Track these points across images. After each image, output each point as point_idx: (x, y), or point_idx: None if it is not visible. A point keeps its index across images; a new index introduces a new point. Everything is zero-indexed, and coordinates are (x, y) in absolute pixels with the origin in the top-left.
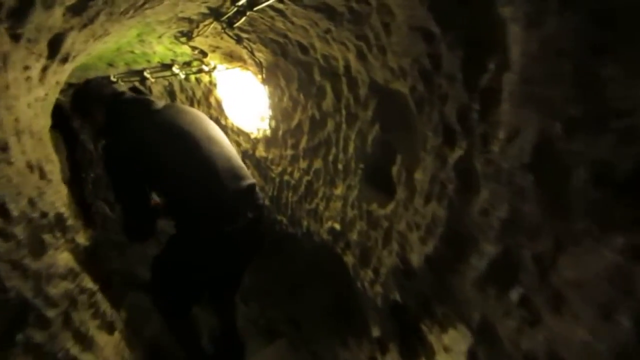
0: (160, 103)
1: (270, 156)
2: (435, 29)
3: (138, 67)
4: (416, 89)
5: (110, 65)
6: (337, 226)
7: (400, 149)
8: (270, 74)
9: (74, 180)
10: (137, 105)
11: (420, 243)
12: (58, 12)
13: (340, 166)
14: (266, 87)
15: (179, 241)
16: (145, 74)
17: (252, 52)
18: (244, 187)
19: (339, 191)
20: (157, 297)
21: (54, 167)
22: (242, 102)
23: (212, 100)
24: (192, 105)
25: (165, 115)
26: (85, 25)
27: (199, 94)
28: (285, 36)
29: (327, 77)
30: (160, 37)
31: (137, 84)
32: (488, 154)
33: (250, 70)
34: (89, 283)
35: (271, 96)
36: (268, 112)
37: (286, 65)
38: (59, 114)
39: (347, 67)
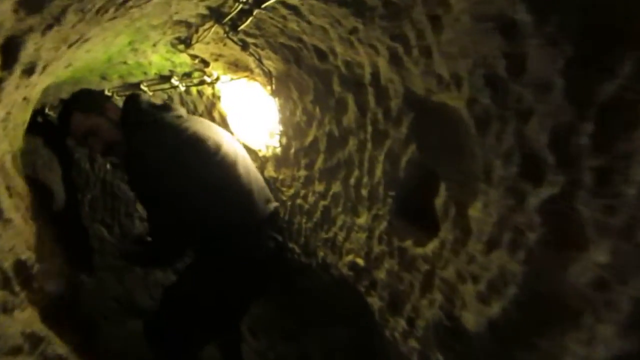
0: (183, 111)
1: (280, 177)
2: (524, 17)
3: (134, 80)
4: (477, 102)
5: (103, 78)
6: (360, 261)
7: (447, 177)
8: (280, 85)
9: (70, 202)
10: (166, 114)
11: (479, 301)
12: (6, 5)
13: (364, 192)
14: (276, 99)
15: (200, 270)
16: (142, 86)
17: (259, 60)
18: (272, 210)
19: (362, 220)
20: (160, 337)
21: (19, 201)
22: (249, 117)
23: (215, 114)
24: None
25: (195, 127)
26: (50, 27)
27: (201, 107)
28: (300, 40)
29: (349, 87)
30: (154, 45)
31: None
32: (609, 198)
33: (257, 81)
34: (59, 348)
35: (282, 110)
36: (278, 128)
37: (299, 74)
38: (51, 131)
39: (375, 75)
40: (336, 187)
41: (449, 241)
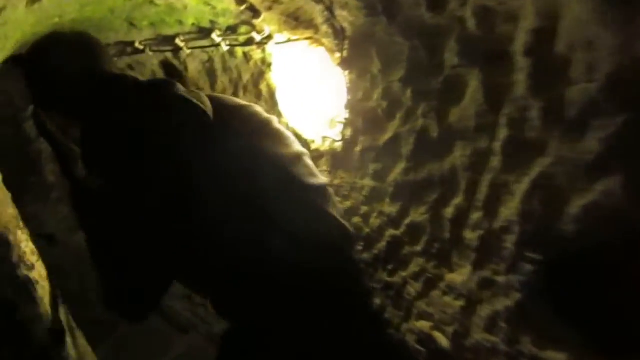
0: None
1: (336, 181)
2: None
3: (169, 32)
4: None
5: (132, 24)
6: (444, 341)
7: None
8: (356, 52)
9: None
10: (181, 105)
11: None
12: None
13: (470, 235)
14: (347, 73)
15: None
16: (178, 41)
17: (330, 11)
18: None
19: (457, 279)
20: None
21: None
22: (304, 95)
23: (263, 87)
24: (236, 94)
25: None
26: None
27: (246, 76)
28: None
29: (474, 58)
30: None
31: (169, 55)
32: None
33: (323, 45)
34: None
35: (352, 89)
36: (343, 114)
37: (389, 34)
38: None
39: (545, 34)
40: (418, 214)
41: None
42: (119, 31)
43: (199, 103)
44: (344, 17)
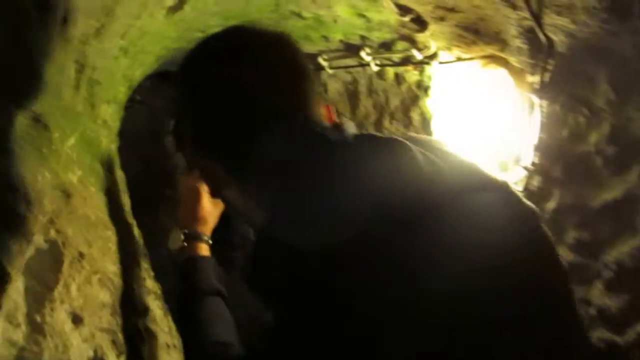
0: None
1: None
2: None
3: (311, 49)
4: None
5: None
6: None
7: None
8: (569, 73)
9: None
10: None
11: None
12: None
13: None
14: (545, 102)
15: None
16: (320, 60)
17: (536, 18)
18: None
19: None
20: None
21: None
22: (470, 126)
23: (414, 115)
24: (380, 121)
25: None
26: None
27: (395, 101)
28: None
29: None
30: None
31: None
32: None
33: (506, 66)
34: None
35: (552, 123)
36: (528, 157)
37: (637, 48)
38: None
39: None
40: None
41: None
42: None
43: None
44: (558, 26)
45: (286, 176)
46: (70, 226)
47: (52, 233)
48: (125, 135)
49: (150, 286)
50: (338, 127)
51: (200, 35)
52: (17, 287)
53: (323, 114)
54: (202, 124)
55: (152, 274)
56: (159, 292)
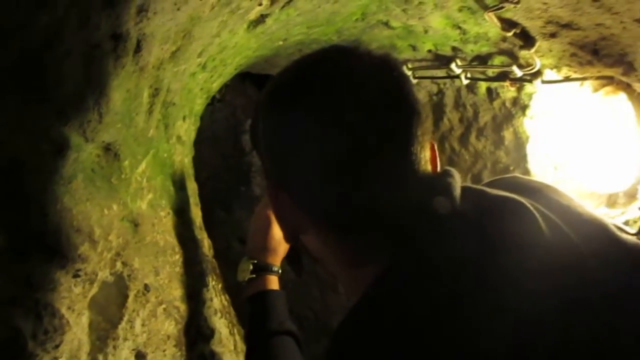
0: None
1: None
2: None
3: (401, 57)
4: None
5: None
6: None
7: None
8: None
9: None
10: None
11: None
12: None
13: None
14: None
15: None
16: (406, 68)
17: None
18: None
19: None
20: None
21: None
22: (574, 155)
23: (507, 134)
24: (466, 136)
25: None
26: None
27: (485, 118)
28: None
29: None
30: None
31: None
32: None
33: (628, 92)
34: None
35: None
36: None
37: None
38: None
39: None
40: None
41: None
42: None
43: None
44: None
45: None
46: (138, 256)
47: (119, 266)
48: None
49: (217, 305)
50: (443, 179)
51: (281, 44)
52: (81, 323)
53: (429, 157)
54: (288, 172)
55: (220, 288)
56: (226, 305)
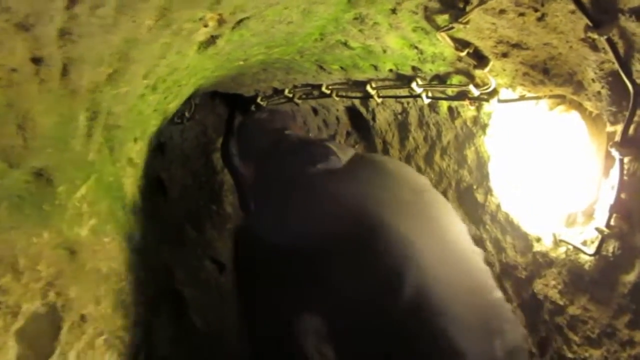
0: (346, 153)
1: (573, 310)
2: None
3: (360, 77)
4: None
5: (321, 67)
6: None
7: None
8: None
9: None
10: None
11: None
12: None
13: None
14: (627, 159)
15: None
16: (369, 88)
17: (622, 62)
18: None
19: None
20: None
21: None
22: (532, 173)
23: (468, 153)
24: (430, 155)
25: (351, 185)
26: None
27: (447, 137)
28: None
29: None
30: (394, 10)
31: (357, 102)
32: None
33: (581, 111)
34: None
35: (633, 180)
36: (601, 216)
37: None
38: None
39: None
40: None
41: None
42: (307, 73)
43: None
44: None
45: None
46: (75, 284)
47: (51, 296)
48: (175, 150)
49: (171, 331)
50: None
51: (242, 64)
52: (7, 357)
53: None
54: None
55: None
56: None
